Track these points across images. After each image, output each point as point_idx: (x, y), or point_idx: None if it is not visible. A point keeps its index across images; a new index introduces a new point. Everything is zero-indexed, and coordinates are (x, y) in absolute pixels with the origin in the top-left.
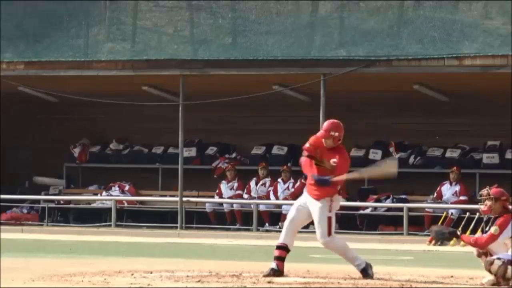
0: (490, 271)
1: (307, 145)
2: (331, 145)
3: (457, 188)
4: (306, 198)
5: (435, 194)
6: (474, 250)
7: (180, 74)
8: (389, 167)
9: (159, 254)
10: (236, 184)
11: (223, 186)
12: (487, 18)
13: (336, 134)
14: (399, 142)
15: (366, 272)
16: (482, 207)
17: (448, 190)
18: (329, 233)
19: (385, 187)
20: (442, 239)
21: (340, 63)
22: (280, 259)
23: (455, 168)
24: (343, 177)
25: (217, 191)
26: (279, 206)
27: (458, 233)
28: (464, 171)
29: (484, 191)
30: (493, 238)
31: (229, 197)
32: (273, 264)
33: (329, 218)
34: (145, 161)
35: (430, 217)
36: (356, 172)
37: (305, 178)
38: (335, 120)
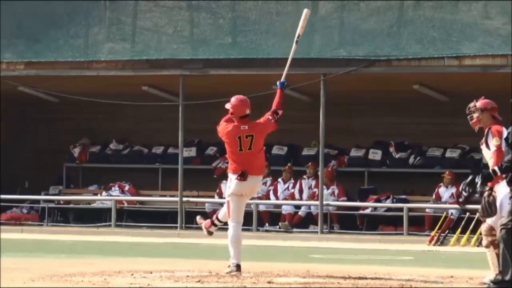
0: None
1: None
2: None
3: (454, 190)
4: None
5: (434, 196)
6: (484, 240)
7: (180, 74)
8: (303, 16)
9: (159, 254)
10: None
11: (224, 186)
12: (487, 18)
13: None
14: (399, 142)
15: (229, 271)
16: (471, 121)
17: (444, 192)
18: (228, 215)
19: (385, 187)
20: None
21: (340, 63)
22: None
23: (447, 172)
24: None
25: (217, 190)
26: (279, 206)
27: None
28: (464, 171)
29: (471, 104)
30: (500, 149)
31: None
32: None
33: (227, 202)
34: (145, 161)
35: (431, 217)
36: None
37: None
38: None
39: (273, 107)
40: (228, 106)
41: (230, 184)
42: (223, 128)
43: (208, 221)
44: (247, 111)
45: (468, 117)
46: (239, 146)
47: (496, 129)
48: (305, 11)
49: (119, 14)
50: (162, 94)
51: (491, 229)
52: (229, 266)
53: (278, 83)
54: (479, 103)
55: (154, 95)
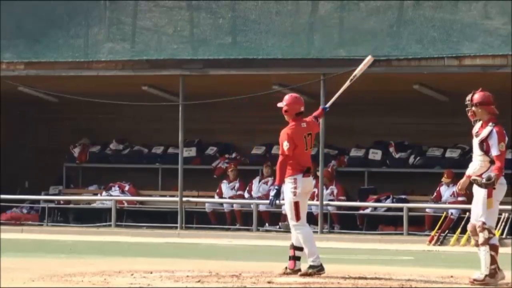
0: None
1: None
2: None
3: (454, 189)
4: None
5: (435, 194)
6: (473, 240)
7: (180, 74)
8: (366, 60)
9: (159, 254)
10: (237, 185)
11: (224, 186)
12: (487, 18)
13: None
14: (399, 142)
15: (314, 269)
16: (468, 113)
17: (445, 191)
18: (297, 219)
19: (385, 187)
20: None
21: (340, 63)
22: (290, 258)
23: (446, 173)
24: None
25: (217, 190)
26: (279, 206)
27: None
28: (464, 171)
29: (468, 97)
30: (504, 154)
31: (230, 197)
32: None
33: (296, 204)
34: (145, 161)
35: (431, 217)
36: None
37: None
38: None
39: (315, 114)
40: (281, 104)
41: (298, 185)
42: (291, 131)
43: (291, 262)
44: (302, 109)
45: (466, 109)
46: (305, 145)
47: (500, 132)
48: (369, 57)
49: (119, 14)
50: (162, 94)
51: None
52: (310, 267)
53: (321, 106)
54: (476, 97)
55: (154, 95)
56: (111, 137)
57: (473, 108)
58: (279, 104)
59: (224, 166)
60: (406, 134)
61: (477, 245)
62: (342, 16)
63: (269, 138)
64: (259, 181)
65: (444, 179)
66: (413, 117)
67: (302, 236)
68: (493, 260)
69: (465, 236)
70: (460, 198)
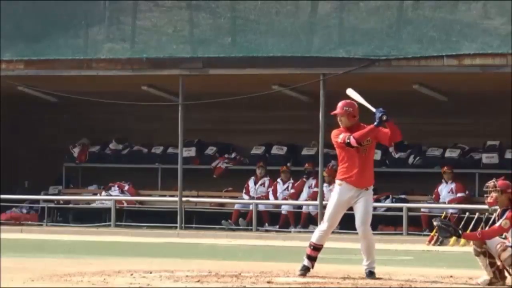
0: (499, 258)
1: (352, 139)
2: (348, 123)
3: (453, 185)
4: (351, 191)
5: (433, 195)
6: (472, 249)
7: (180, 74)
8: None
9: (158, 254)
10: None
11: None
12: (487, 18)
13: (350, 109)
14: (398, 142)
15: (373, 274)
16: (488, 199)
17: (444, 188)
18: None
19: (385, 187)
20: (444, 236)
21: (340, 63)
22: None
23: (446, 168)
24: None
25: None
26: (278, 206)
27: (461, 232)
28: (463, 171)
29: (490, 183)
30: (502, 231)
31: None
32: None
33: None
34: (144, 161)
35: (426, 216)
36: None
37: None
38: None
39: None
40: (349, 109)
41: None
42: None
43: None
44: None
45: (485, 195)
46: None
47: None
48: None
49: (119, 14)
50: (161, 94)
51: (482, 243)
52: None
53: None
54: (499, 184)
55: (154, 95)
56: (111, 137)
57: (496, 195)
58: (339, 111)
59: (223, 166)
60: (405, 134)
61: (477, 255)
62: (342, 16)
63: (269, 138)
64: (254, 183)
65: (445, 175)
66: (413, 117)
67: (319, 234)
68: None
69: None
70: (459, 195)
